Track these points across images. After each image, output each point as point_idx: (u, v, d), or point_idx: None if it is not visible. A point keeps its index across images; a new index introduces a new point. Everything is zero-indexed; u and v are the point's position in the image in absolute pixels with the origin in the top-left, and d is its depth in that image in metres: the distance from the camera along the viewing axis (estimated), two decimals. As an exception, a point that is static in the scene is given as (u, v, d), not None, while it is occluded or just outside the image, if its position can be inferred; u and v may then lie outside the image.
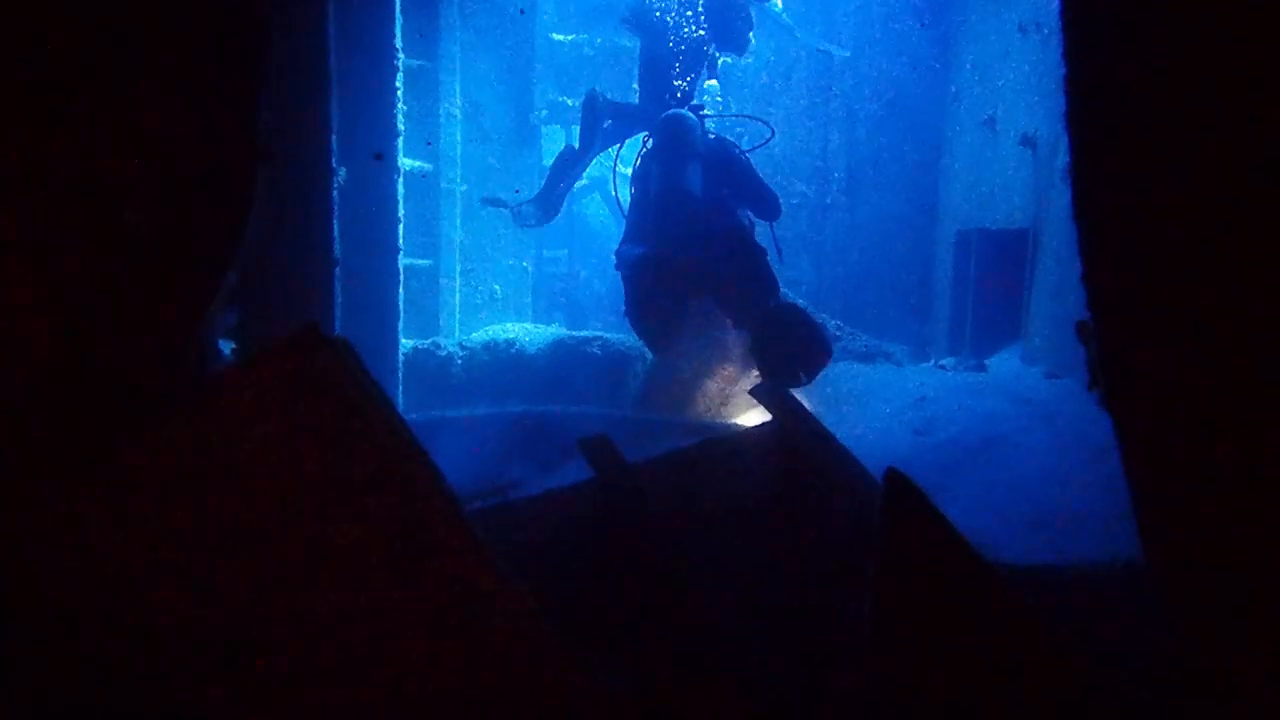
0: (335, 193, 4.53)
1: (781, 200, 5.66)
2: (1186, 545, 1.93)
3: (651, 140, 5.46)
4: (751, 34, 6.40)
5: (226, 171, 1.94)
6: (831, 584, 3.40)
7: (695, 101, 5.85)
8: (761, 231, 5.63)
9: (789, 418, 3.62)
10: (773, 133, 5.95)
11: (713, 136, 5.59)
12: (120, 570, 1.68)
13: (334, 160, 4.51)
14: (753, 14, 6.37)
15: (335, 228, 4.56)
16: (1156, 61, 1.54)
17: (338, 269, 4.58)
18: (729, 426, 5.01)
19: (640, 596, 3.38)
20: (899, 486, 2.05)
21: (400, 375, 5.74)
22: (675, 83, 5.93)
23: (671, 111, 5.41)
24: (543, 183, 6.68)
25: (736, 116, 5.95)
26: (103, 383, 1.83)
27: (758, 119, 6.01)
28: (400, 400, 5.72)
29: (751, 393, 3.60)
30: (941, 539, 2.04)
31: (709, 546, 3.48)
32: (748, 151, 5.80)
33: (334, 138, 4.46)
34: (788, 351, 4.78)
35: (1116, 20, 1.59)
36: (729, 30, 6.30)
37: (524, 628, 1.81)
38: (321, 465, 1.77)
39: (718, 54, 6.39)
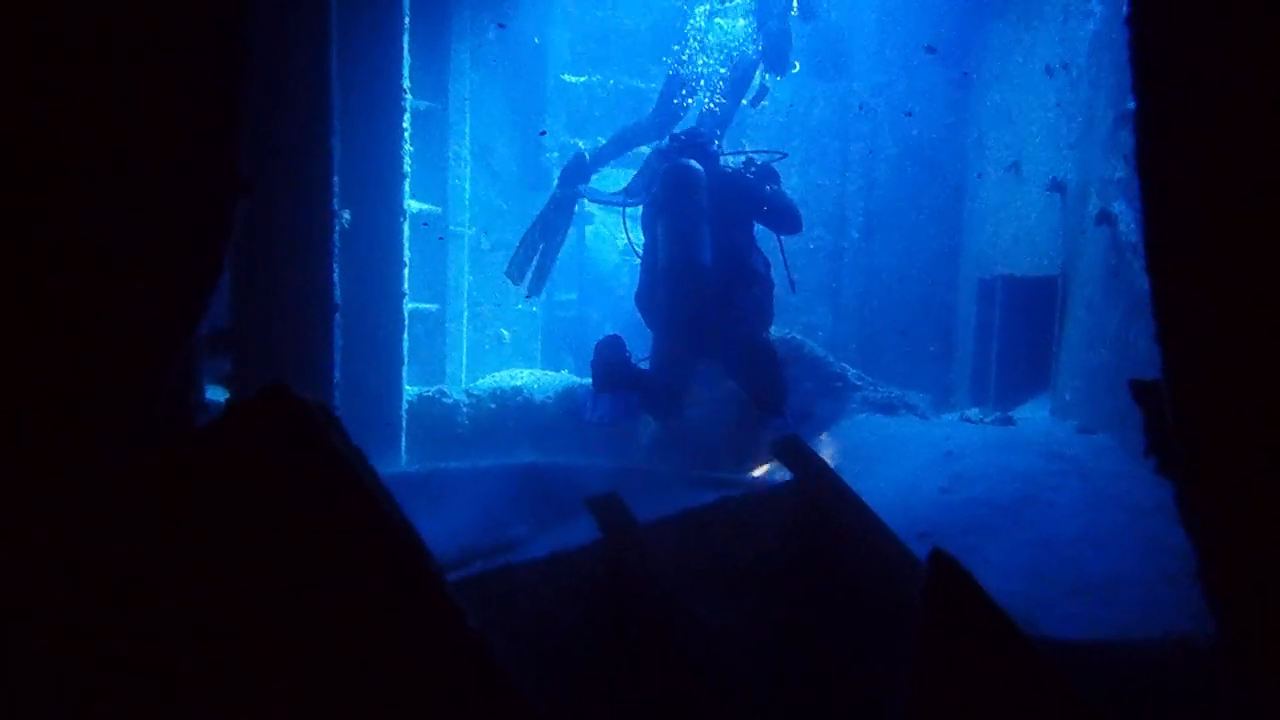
0: (336, 235, 4.36)
1: (801, 213, 5.49)
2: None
3: (657, 189, 5.29)
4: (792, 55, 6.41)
5: (198, 204, 1.75)
6: (855, 653, 3.19)
7: (705, 138, 5.70)
8: (777, 271, 5.46)
9: (809, 474, 3.42)
10: (784, 155, 5.79)
11: (728, 169, 5.42)
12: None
13: (335, 202, 4.35)
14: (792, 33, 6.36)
15: (335, 271, 4.39)
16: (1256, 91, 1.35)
17: (338, 314, 4.41)
18: (744, 479, 4.80)
19: (653, 667, 3.18)
20: (945, 569, 1.83)
21: (404, 424, 5.55)
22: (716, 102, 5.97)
23: (675, 163, 5.21)
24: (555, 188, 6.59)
25: (750, 153, 5.82)
26: (54, 431, 1.64)
27: (771, 151, 5.88)
28: (403, 451, 5.53)
29: (771, 447, 3.39)
30: (991, 629, 1.82)
31: (724, 611, 3.28)
32: (762, 154, 5.65)
33: (335, 178, 4.30)
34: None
35: (1207, 47, 1.40)
36: (775, 51, 6.32)
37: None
38: (286, 540, 1.57)
39: (765, 75, 6.44)
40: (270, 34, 3.93)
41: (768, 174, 5.59)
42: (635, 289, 5.45)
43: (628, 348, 5.32)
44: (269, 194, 4.09)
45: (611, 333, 5.53)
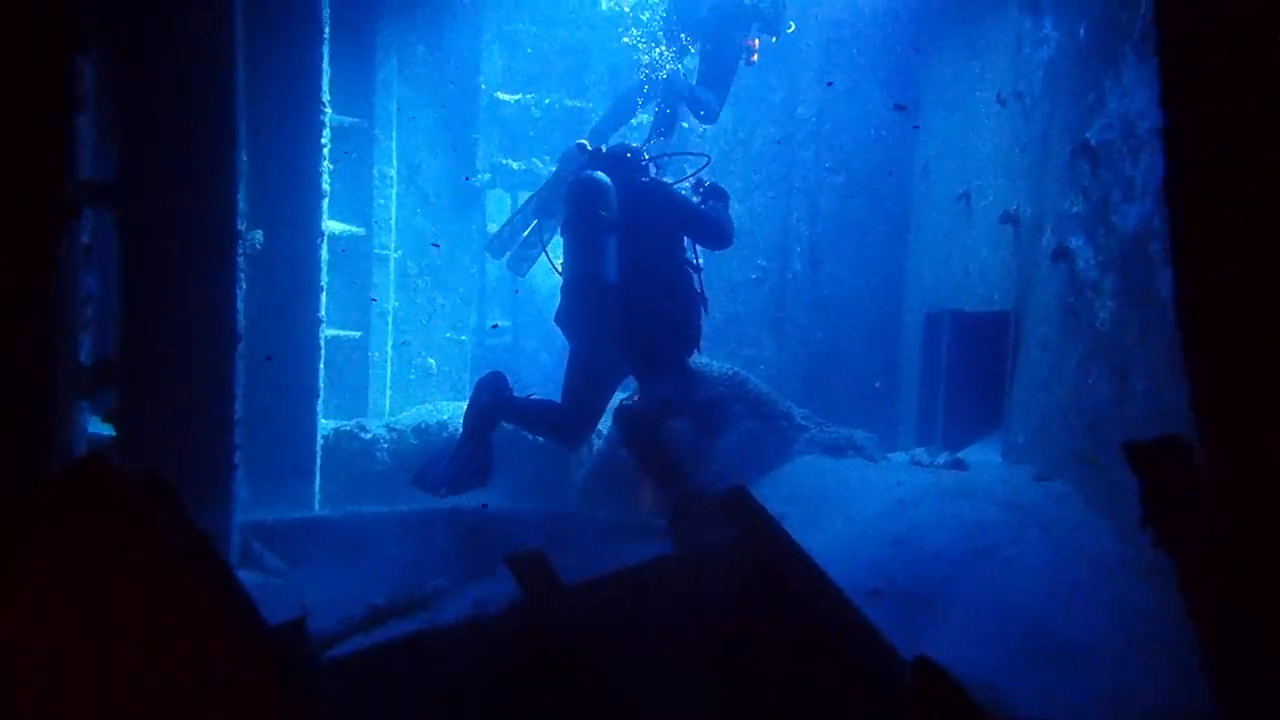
0: (240, 256, 3.98)
1: (731, 229, 5.22)
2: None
3: (563, 205, 5.01)
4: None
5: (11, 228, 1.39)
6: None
7: (636, 145, 5.41)
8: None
9: (756, 531, 3.12)
10: (708, 160, 5.55)
11: (646, 179, 5.13)
12: None
13: (241, 221, 3.97)
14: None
15: (239, 295, 4.01)
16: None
17: (240, 343, 4.02)
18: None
19: (578, 743, 2.86)
20: (932, 679, 1.53)
21: (318, 461, 5.17)
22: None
23: (578, 176, 4.92)
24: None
25: (671, 155, 5.54)
26: None
27: (693, 153, 5.58)
28: (317, 490, 5.13)
29: (716, 501, 3.09)
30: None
31: (660, 683, 2.98)
32: (692, 174, 5.42)
33: (240, 195, 3.92)
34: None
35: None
36: (770, 7, 6.38)
37: None
38: (97, 638, 1.21)
39: (757, 35, 6.44)
40: (164, 33, 3.55)
41: (715, 193, 5.32)
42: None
43: (510, 383, 5.04)
44: (162, 210, 3.71)
45: (546, 365, 5.25)
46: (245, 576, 4.04)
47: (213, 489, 3.86)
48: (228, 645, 1.30)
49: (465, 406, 5.03)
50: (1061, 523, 3.90)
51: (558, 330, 5.15)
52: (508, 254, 6.59)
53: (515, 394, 5.02)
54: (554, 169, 6.37)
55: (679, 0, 6.28)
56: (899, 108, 6.87)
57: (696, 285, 5.07)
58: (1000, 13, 5.57)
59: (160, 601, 1.26)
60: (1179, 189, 1.28)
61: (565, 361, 5.14)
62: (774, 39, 6.52)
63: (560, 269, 5.10)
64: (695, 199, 5.32)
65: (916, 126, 7.05)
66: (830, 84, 7.09)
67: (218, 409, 3.93)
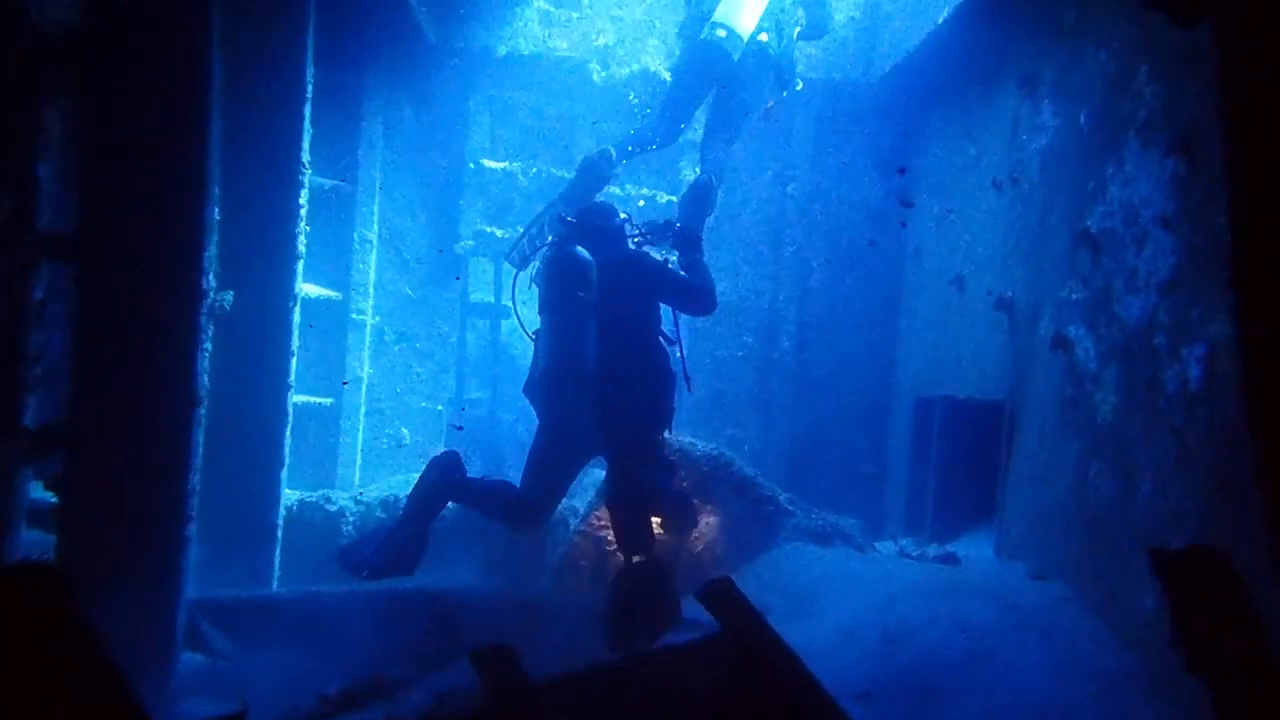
0: (203, 316, 3.77)
1: (712, 286, 5.09)
2: None
3: (539, 282, 4.83)
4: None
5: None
6: None
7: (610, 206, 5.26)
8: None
9: (740, 626, 2.91)
10: (676, 224, 5.39)
11: (627, 250, 4.97)
12: None
13: (206, 279, 3.78)
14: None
15: (201, 358, 3.80)
16: None
17: (200, 408, 3.79)
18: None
19: None
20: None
21: (279, 535, 4.92)
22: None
23: (558, 251, 4.73)
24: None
25: (647, 230, 5.34)
26: None
27: (672, 223, 5.39)
28: (277, 565, 4.87)
29: (698, 598, 2.88)
30: None
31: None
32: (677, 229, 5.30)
33: (207, 253, 3.74)
34: (636, 621, 4.14)
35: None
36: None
37: None
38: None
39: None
40: (134, 80, 3.40)
41: (688, 240, 5.17)
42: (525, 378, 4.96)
43: (464, 465, 4.82)
44: (122, 263, 3.52)
45: (522, 436, 5.03)
46: (189, 660, 3.77)
47: (161, 564, 3.61)
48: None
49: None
50: (1061, 628, 3.69)
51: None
52: (530, 265, 6.36)
53: (469, 476, 4.79)
54: (575, 174, 6.22)
55: (711, 51, 6.15)
56: (905, 205, 6.79)
57: (673, 362, 4.88)
58: (996, 97, 5.52)
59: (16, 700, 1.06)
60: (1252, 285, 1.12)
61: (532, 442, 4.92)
62: (784, 93, 6.49)
63: (532, 336, 4.89)
64: (668, 242, 5.20)
65: (904, 224, 6.98)
66: (903, 170, 7.00)
67: (172, 477, 3.70)
